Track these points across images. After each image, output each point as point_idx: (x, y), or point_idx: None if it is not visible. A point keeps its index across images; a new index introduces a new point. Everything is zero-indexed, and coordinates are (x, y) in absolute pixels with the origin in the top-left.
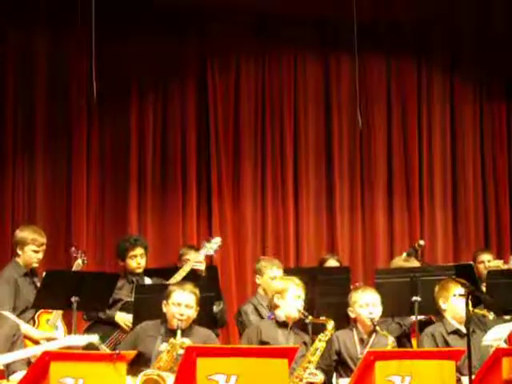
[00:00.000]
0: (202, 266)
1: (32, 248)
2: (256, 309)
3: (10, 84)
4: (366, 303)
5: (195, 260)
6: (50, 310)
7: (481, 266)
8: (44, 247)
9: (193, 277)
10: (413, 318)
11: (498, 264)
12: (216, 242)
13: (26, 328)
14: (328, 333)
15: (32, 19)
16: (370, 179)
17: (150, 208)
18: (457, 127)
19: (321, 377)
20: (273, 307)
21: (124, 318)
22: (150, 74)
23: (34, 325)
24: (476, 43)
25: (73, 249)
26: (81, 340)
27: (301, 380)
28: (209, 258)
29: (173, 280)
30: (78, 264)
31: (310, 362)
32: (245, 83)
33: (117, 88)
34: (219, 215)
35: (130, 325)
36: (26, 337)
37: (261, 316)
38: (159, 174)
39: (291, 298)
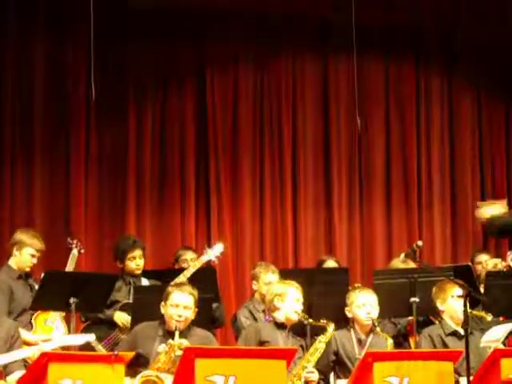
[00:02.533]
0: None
1: (30, 251)
2: (251, 313)
3: (8, 84)
4: (364, 303)
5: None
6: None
7: (479, 267)
8: (40, 254)
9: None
10: (410, 317)
11: (496, 262)
12: (218, 248)
13: (21, 333)
14: (329, 335)
15: (31, 22)
16: (368, 181)
17: (149, 209)
18: (455, 129)
19: (317, 375)
20: (272, 309)
21: (122, 318)
22: (149, 74)
23: (31, 328)
24: (474, 45)
25: (68, 239)
26: (77, 339)
27: (299, 378)
28: None
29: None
30: (73, 254)
31: (308, 362)
32: (243, 85)
33: (115, 88)
34: (217, 216)
35: (128, 325)
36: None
37: (256, 321)
38: (157, 175)
39: (291, 301)
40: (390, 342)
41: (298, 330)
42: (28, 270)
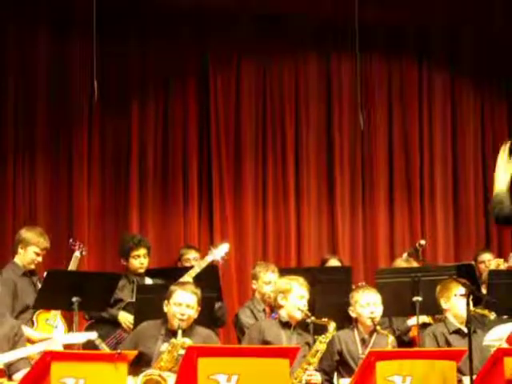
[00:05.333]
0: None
1: (35, 250)
2: (252, 313)
3: (10, 83)
4: (368, 303)
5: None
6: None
7: (482, 266)
8: (45, 252)
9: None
10: (409, 322)
11: (499, 262)
12: (224, 248)
13: (25, 331)
14: (329, 335)
15: (33, 20)
16: (371, 178)
17: (151, 208)
18: (458, 126)
19: (319, 378)
20: (276, 307)
21: (126, 318)
22: (152, 72)
23: (32, 326)
24: (476, 41)
25: (71, 240)
26: (79, 337)
27: (300, 381)
28: None
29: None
30: (75, 256)
31: (310, 364)
32: (246, 82)
33: (118, 86)
34: (220, 214)
35: (132, 326)
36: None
37: (257, 320)
38: (160, 174)
39: (295, 298)
40: (391, 339)
41: (302, 327)
42: (33, 267)
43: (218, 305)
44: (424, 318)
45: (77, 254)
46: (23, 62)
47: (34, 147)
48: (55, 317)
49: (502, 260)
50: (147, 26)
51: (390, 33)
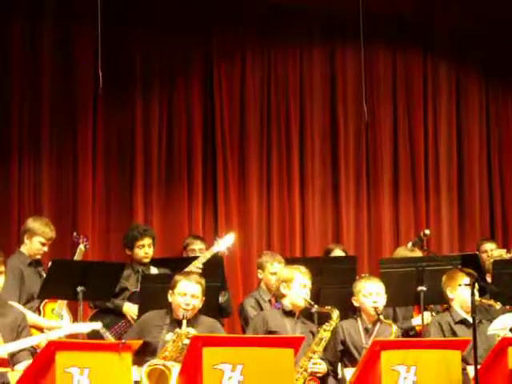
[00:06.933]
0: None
1: (40, 240)
2: (258, 303)
3: (15, 80)
4: (370, 292)
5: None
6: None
7: (484, 256)
8: (50, 242)
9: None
10: (413, 322)
11: (501, 253)
12: (229, 239)
13: (32, 317)
14: (333, 322)
15: (37, 13)
16: (375, 169)
17: (156, 200)
18: (462, 119)
19: (324, 366)
20: (279, 296)
21: (131, 310)
22: (156, 68)
23: (39, 315)
24: (482, 35)
25: (74, 234)
26: (84, 327)
27: (305, 370)
28: None
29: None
30: (80, 249)
31: (314, 352)
32: (250, 77)
33: (122, 82)
34: (224, 205)
35: (136, 317)
36: (32, 326)
37: (262, 310)
38: (165, 167)
39: (297, 287)
40: (395, 328)
41: (306, 316)
42: (39, 257)
43: (224, 298)
44: (428, 319)
45: (81, 247)
46: (28, 55)
47: (38, 140)
48: (61, 307)
49: (504, 251)
50: (152, 20)
51: (395, 24)
